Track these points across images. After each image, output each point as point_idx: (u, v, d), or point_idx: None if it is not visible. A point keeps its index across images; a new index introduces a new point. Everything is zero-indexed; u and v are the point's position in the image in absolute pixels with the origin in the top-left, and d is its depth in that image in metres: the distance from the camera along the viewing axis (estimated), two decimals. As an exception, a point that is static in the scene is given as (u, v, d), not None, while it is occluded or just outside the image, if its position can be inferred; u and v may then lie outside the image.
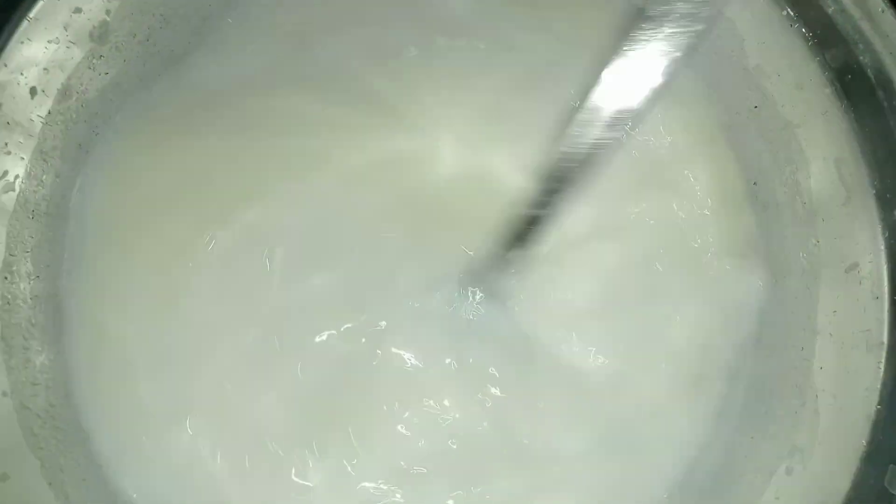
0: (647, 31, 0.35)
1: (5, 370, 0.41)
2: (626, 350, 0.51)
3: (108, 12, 0.47)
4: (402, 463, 0.48)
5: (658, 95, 0.36)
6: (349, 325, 0.49)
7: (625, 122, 0.38)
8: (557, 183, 0.41)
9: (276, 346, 0.48)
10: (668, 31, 0.35)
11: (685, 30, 0.35)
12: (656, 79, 0.36)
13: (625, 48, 0.36)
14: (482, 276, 0.49)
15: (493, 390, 0.49)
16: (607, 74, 0.37)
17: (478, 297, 0.50)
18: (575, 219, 0.46)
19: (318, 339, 0.48)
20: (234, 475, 0.46)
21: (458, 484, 0.48)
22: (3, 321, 0.42)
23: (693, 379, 0.51)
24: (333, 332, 0.48)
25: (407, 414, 0.48)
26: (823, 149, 0.49)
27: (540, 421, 0.49)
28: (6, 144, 0.43)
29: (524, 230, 0.44)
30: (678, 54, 0.35)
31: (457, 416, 0.48)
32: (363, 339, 0.49)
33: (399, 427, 0.48)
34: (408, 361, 0.49)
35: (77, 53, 0.46)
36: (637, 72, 0.36)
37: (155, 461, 0.45)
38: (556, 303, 0.51)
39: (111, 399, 0.46)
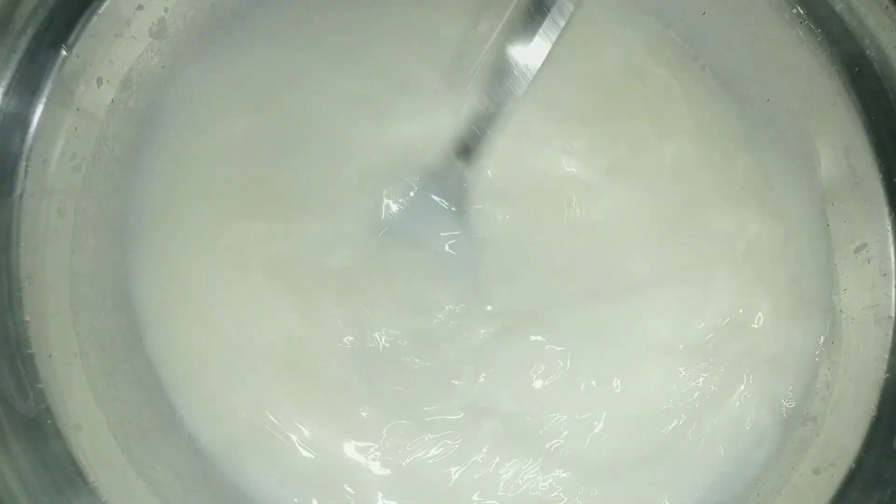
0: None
1: (74, 334, 0.45)
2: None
3: (165, 10, 0.51)
4: None
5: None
6: None
7: None
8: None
9: None
10: None
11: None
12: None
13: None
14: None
15: None
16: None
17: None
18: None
19: None
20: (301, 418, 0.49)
21: None
22: (72, 290, 0.45)
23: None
24: None
25: None
26: (833, 138, 0.52)
27: None
28: (76, 129, 0.47)
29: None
30: None
31: None
32: None
33: None
34: None
35: (138, 47, 0.50)
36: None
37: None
38: None
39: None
